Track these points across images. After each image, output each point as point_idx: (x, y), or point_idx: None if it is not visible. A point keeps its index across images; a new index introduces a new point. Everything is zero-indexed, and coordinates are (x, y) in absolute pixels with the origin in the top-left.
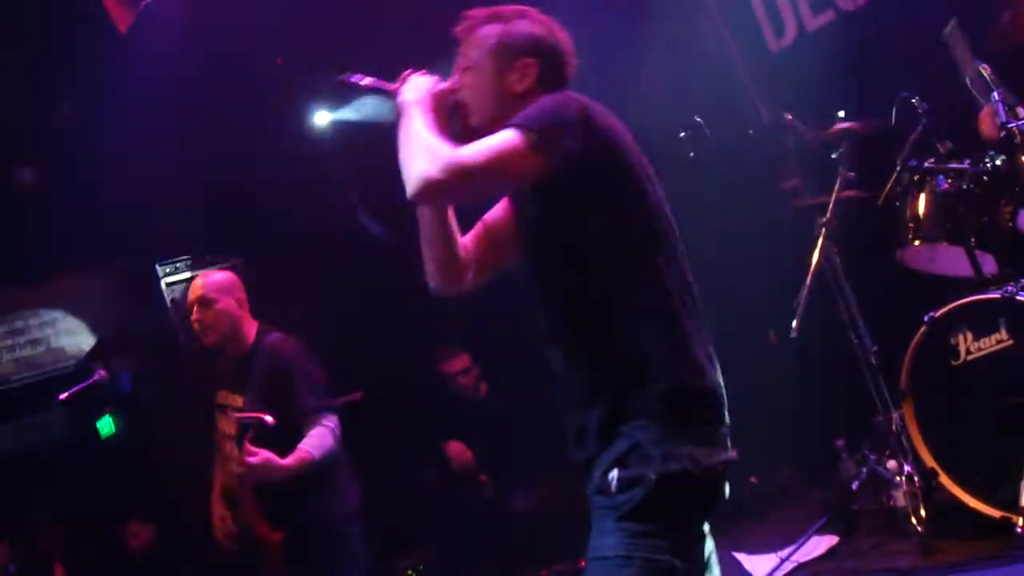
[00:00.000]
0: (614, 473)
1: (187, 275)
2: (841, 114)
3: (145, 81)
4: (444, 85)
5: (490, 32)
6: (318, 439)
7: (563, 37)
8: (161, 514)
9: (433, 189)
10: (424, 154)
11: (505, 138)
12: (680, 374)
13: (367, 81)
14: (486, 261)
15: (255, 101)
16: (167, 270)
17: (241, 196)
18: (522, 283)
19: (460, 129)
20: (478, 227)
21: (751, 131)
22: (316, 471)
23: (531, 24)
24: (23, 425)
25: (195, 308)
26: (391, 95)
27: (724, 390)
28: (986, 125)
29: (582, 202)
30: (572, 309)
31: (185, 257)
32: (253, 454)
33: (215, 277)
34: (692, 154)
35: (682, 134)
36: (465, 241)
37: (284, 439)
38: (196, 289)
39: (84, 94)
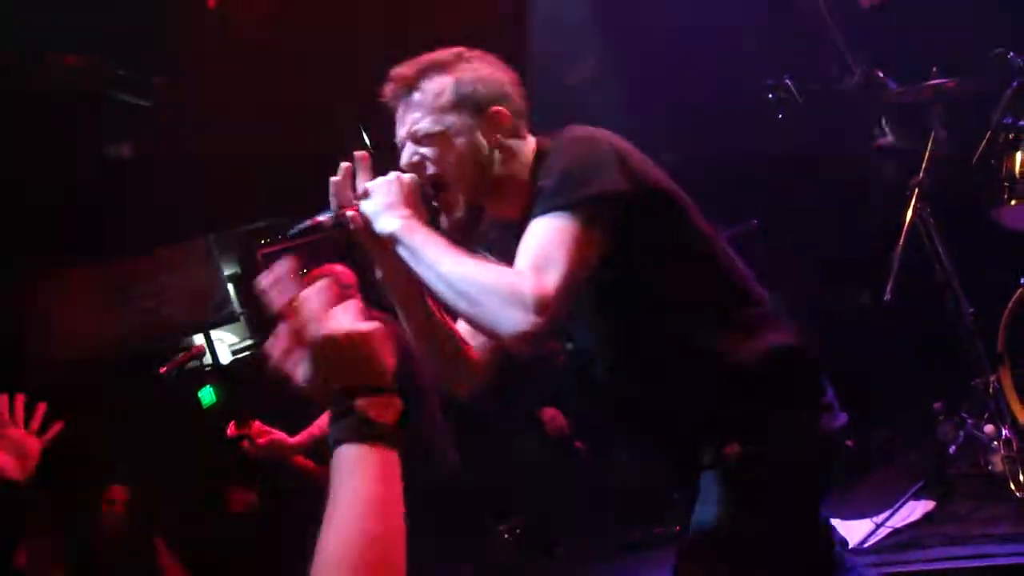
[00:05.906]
0: (732, 447)
1: (284, 246)
2: (934, 71)
3: (239, 50)
4: (407, 176)
5: (439, 86)
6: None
7: (503, 64)
8: (264, 481)
9: (535, 335)
10: (498, 300)
11: (559, 234)
12: (781, 348)
13: (303, 225)
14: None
15: (341, 63)
16: (265, 240)
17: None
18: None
19: (444, 212)
20: None
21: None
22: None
23: (478, 64)
24: (129, 394)
25: None
26: (345, 226)
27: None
28: None
29: (645, 238)
30: (661, 339)
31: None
32: (263, 435)
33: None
34: (781, 116)
35: (770, 96)
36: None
37: None
38: None
39: (179, 66)
